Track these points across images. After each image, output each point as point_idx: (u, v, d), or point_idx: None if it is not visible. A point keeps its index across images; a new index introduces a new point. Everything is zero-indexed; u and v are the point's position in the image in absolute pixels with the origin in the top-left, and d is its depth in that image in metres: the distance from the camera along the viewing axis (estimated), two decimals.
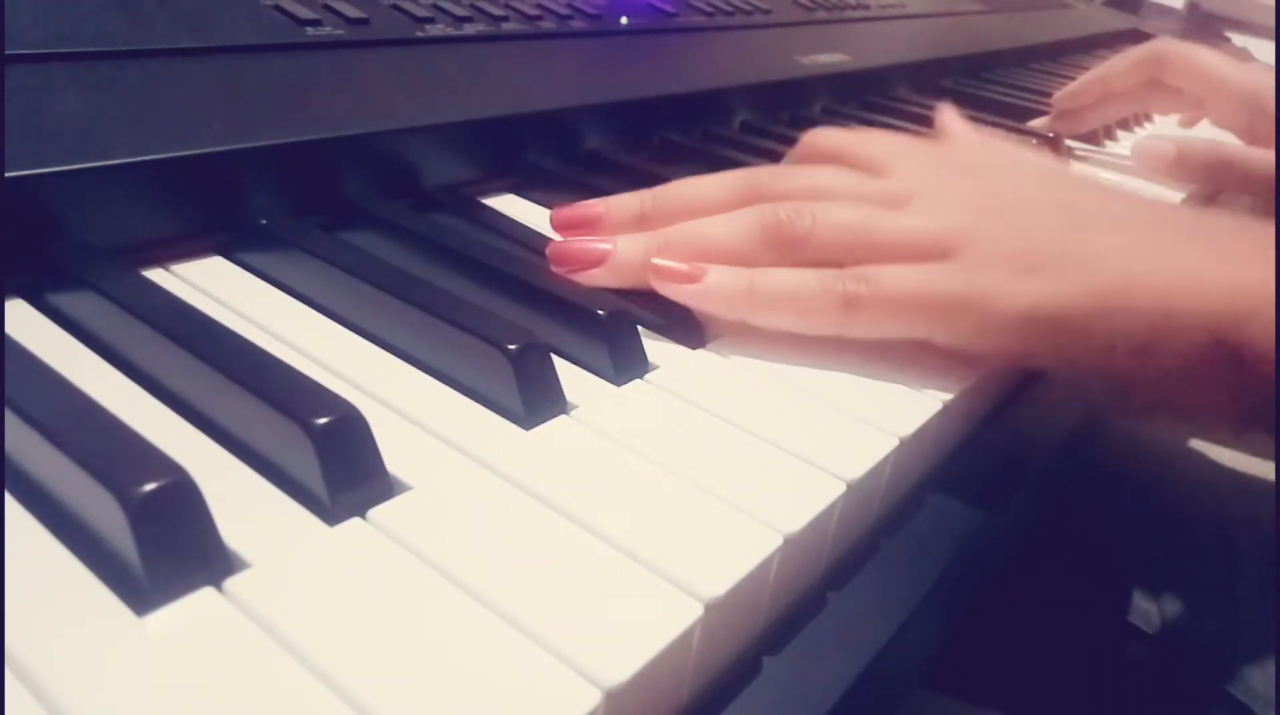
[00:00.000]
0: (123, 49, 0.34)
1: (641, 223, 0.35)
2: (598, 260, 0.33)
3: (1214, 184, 0.63)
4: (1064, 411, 0.41)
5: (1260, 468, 0.58)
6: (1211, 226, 0.34)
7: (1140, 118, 0.82)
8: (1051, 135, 0.67)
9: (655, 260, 0.32)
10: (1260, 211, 0.62)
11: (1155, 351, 0.30)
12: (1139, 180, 0.65)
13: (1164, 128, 0.81)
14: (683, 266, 0.32)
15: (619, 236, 0.34)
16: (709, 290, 0.32)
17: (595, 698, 0.18)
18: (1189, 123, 0.74)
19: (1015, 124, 0.69)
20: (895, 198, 0.34)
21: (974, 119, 0.68)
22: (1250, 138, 0.61)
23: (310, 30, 0.40)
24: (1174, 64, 0.63)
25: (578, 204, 0.36)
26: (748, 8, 0.67)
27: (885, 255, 0.32)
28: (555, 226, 0.36)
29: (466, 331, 0.28)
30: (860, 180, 0.36)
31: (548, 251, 0.34)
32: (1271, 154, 0.58)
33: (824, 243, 0.33)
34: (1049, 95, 0.80)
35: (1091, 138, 0.72)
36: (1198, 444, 0.64)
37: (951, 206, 0.34)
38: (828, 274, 0.32)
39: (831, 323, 0.32)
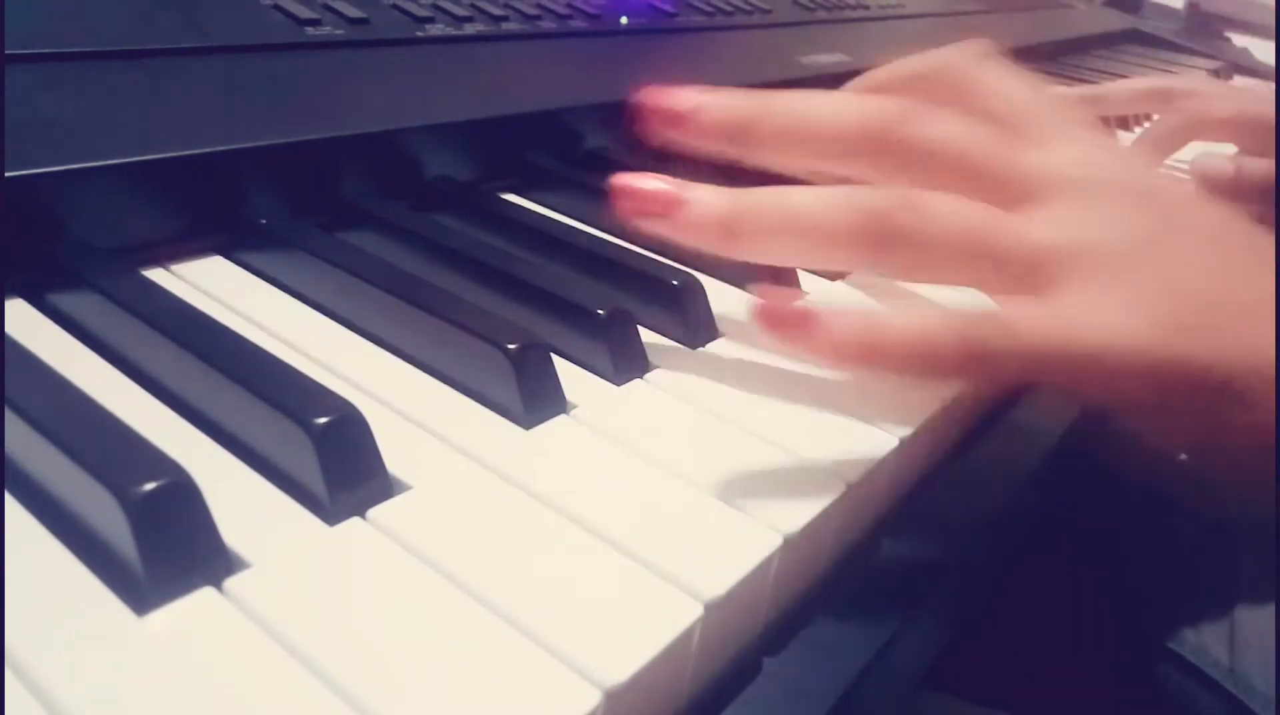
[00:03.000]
0: (123, 49, 0.34)
1: (738, 134, 0.30)
2: (667, 208, 0.28)
3: (1268, 203, 0.62)
4: (1060, 413, 0.41)
5: None
6: None
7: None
8: None
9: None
10: None
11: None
12: None
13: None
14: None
15: (696, 189, 0.28)
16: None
17: (595, 698, 0.18)
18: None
19: None
20: (1033, 189, 0.29)
21: None
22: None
23: (310, 30, 0.40)
24: (1203, 118, 0.64)
25: (672, 90, 0.30)
26: (748, 8, 0.67)
27: (1002, 270, 0.28)
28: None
29: (466, 331, 0.28)
30: (1002, 154, 0.29)
31: (613, 182, 0.28)
32: None
33: (927, 246, 0.28)
34: None
35: None
36: None
37: (1102, 224, 0.28)
38: (937, 335, 0.26)
39: (949, 376, 0.28)
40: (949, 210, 0.28)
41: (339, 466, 0.22)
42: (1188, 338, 0.26)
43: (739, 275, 0.39)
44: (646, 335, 0.32)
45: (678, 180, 0.28)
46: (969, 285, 0.29)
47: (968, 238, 0.27)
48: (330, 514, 0.22)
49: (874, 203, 0.27)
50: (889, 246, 0.28)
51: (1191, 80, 0.70)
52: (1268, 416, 0.26)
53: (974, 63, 0.33)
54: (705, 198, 0.28)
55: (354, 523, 0.22)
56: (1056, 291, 0.27)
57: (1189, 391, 0.27)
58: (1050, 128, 0.30)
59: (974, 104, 0.31)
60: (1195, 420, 0.28)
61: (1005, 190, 0.28)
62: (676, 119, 0.30)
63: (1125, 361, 0.26)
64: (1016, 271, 0.27)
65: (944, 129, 0.29)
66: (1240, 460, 0.29)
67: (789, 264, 0.33)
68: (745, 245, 0.28)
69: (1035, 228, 0.28)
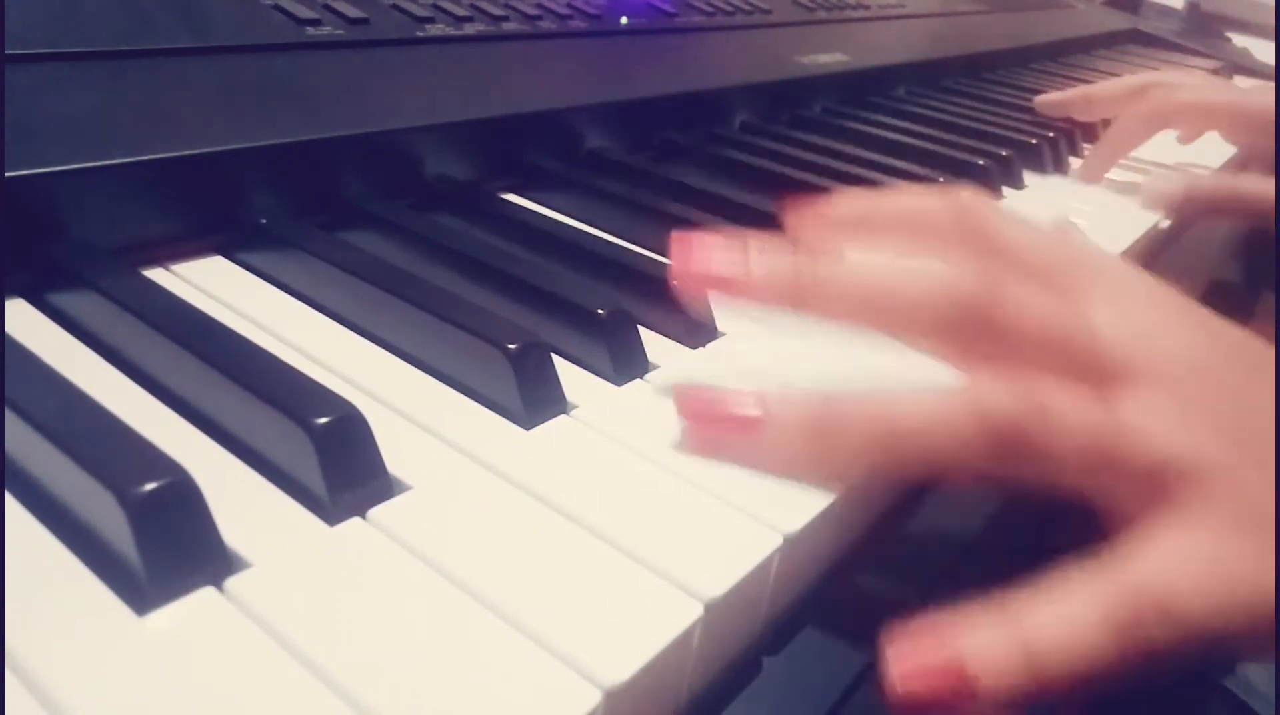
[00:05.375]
0: (123, 49, 0.34)
1: (802, 297, 0.26)
2: (742, 430, 0.25)
3: (1223, 218, 0.63)
4: None
5: None
6: None
7: None
8: (1051, 135, 0.67)
9: None
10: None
11: None
12: (1139, 176, 0.65)
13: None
14: None
15: (771, 401, 0.25)
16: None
17: (595, 698, 0.18)
18: (1188, 139, 0.74)
19: (1019, 124, 0.69)
20: (1122, 371, 0.26)
21: (971, 118, 0.68)
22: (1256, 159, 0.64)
23: (310, 30, 0.40)
24: (1165, 105, 0.65)
25: (711, 242, 0.26)
26: (748, 8, 0.67)
27: (1122, 480, 0.25)
28: (678, 274, 0.27)
29: (466, 331, 0.28)
30: (1080, 331, 0.26)
31: (675, 398, 0.26)
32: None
33: (1054, 459, 0.24)
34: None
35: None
36: None
37: (1195, 419, 0.25)
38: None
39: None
40: (1077, 416, 0.25)
41: (339, 466, 0.22)
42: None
43: None
44: (647, 335, 0.32)
45: (740, 397, 0.26)
46: (1088, 496, 0.26)
47: (1096, 449, 0.24)
48: (330, 514, 0.22)
49: (997, 407, 0.24)
50: (1014, 459, 0.24)
51: (1172, 74, 0.71)
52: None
53: (985, 209, 0.30)
54: (785, 412, 0.25)
55: (354, 523, 0.22)
56: (1169, 502, 0.24)
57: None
58: (1086, 279, 0.28)
59: (989, 248, 0.29)
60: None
61: (1092, 371, 0.26)
62: (722, 284, 0.26)
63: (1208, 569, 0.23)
64: (1138, 483, 0.25)
65: (1031, 307, 0.26)
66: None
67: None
68: (835, 457, 0.25)
69: (1150, 429, 0.25)
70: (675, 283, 0.27)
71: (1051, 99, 0.72)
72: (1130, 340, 0.26)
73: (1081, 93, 0.72)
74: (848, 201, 0.32)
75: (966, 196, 0.31)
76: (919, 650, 0.22)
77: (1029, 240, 0.29)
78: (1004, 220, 0.30)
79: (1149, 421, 0.25)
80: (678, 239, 0.27)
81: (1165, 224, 0.59)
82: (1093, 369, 0.26)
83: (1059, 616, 0.23)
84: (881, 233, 0.31)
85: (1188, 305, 0.28)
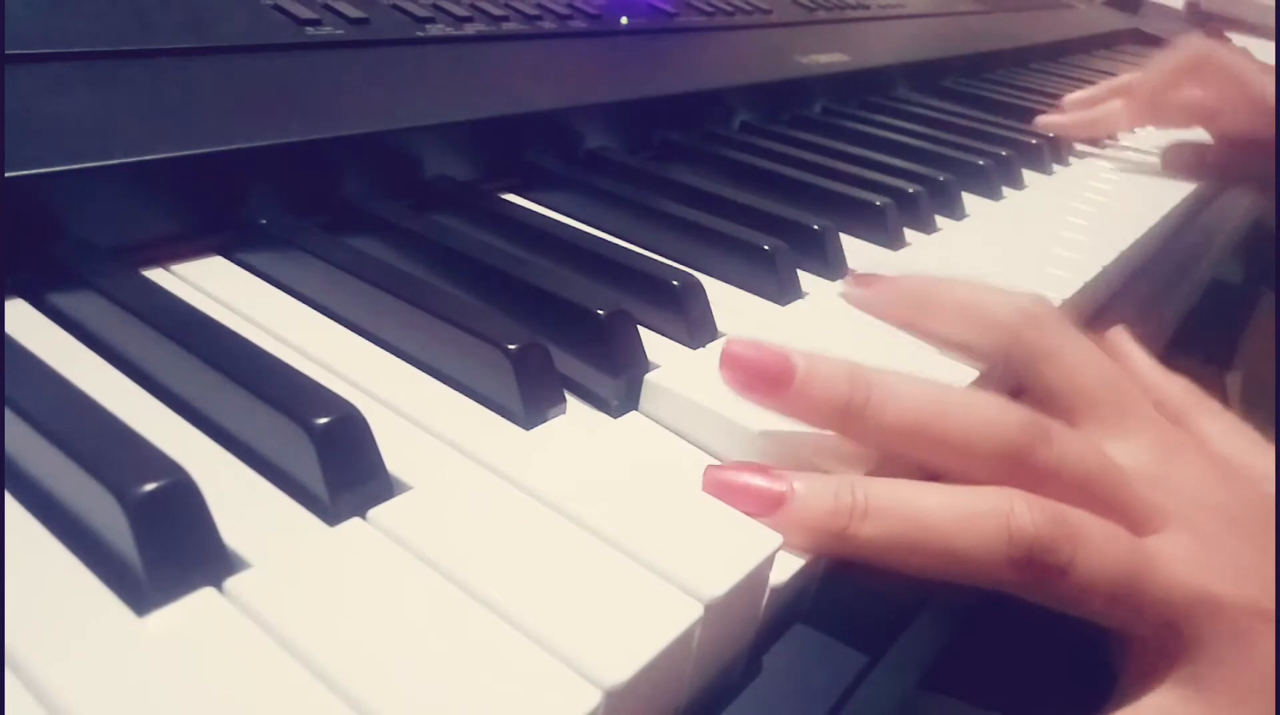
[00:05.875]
0: (123, 49, 0.34)
1: (849, 416, 0.26)
2: (767, 505, 0.24)
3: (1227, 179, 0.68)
4: None
5: None
6: None
7: None
8: (1052, 135, 0.67)
9: None
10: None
11: None
12: (1139, 176, 0.65)
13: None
14: None
15: (799, 479, 0.25)
16: None
17: (595, 698, 0.18)
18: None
19: (1019, 124, 0.69)
20: (1157, 517, 0.28)
21: (972, 117, 0.68)
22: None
23: (310, 30, 0.40)
24: (1214, 67, 0.65)
25: (766, 347, 0.26)
26: (748, 8, 0.67)
27: (1143, 611, 0.26)
28: (726, 363, 0.26)
29: (466, 331, 0.28)
30: (1120, 476, 0.28)
31: (704, 475, 0.25)
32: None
33: (1079, 586, 0.25)
34: (1049, 95, 0.80)
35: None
36: None
37: (1217, 564, 0.27)
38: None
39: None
40: (1107, 543, 0.25)
41: (339, 467, 0.22)
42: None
43: (739, 275, 0.39)
44: (647, 335, 0.32)
45: (769, 474, 0.25)
46: (1106, 621, 0.27)
47: (1123, 576, 0.25)
48: (330, 514, 0.22)
49: (1028, 524, 0.25)
50: (1039, 576, 0.25)
51: (1207, 44, 0.70)
52: None
53: (1049, 320, 0.32)
54: (810, 493, 0.25)
55: (354, 523, 0.22)
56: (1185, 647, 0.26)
57: None
58: (1125, 416, 0.30)
59: (1045, 360, 0.31)
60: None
61: (1127, 516, 0.27)
62: (772, 384, 0.26)
63: None
64: (1157, 616, 0.26)
65: (1070, 454, 0.27)
66: None
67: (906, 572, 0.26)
68: (858, 551, 0.25)
69: (1176, 565, 0.26)
70: (724, 372, 0.26)
71: (1055, 123, 0.70)
72: (1160, 484, 0.28)
73: (1087, 119, 0.71)
74: (913, 280, 0.35)
75: (1039, 307, 0.32)
76: None
77: (1084, 362, 0.31)
78: (1065, 335, 0.31)
79: (1175, 559, 0.26)
80: (733, 342, 0.27)
81: (1164, 227, 0.59)
82: (1123, 511, 0.27)
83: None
84: (939, 318, 0.34)
85: (1209, 451, 0.31)
